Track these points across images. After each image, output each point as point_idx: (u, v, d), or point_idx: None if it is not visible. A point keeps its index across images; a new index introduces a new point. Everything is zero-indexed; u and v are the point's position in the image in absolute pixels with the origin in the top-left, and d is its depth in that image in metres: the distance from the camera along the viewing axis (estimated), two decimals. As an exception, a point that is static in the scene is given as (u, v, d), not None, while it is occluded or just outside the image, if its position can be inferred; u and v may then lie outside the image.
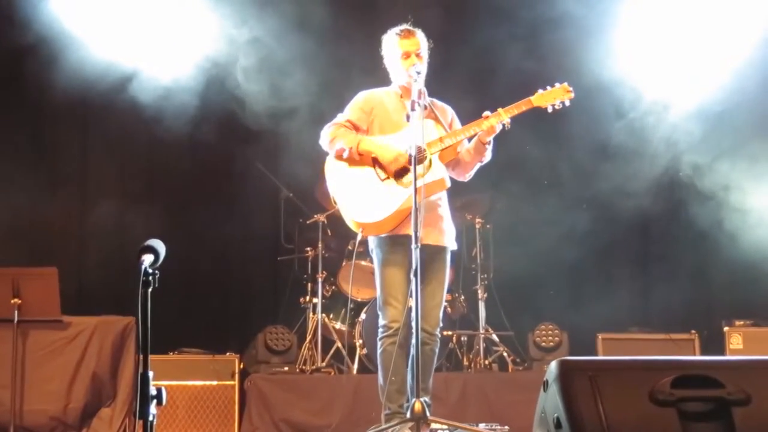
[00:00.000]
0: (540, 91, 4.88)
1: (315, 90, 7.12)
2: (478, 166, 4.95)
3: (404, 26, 4.96)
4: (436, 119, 4.91)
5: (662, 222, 7.87)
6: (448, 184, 4.84)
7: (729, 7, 6.99)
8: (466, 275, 7.32)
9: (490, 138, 4.79)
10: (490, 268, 7.39)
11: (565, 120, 7.67)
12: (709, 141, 7.08)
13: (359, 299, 7.04)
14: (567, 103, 4.89)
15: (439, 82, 5.12)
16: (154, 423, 2.89)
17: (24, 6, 6.87)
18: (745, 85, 7.01)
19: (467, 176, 5.02)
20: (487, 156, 4.89)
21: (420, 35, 4.93)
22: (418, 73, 4.69)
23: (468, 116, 4.98)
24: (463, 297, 7.27)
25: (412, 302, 4.41)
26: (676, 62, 7.10)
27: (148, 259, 3.01)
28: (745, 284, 7.14)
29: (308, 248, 7.32)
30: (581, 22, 7.05)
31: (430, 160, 4.75)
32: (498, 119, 4.72)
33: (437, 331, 4.85)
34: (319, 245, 7.18)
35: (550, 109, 4.89)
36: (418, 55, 4.86)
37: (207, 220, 7.72)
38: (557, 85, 4.90)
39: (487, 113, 4.76)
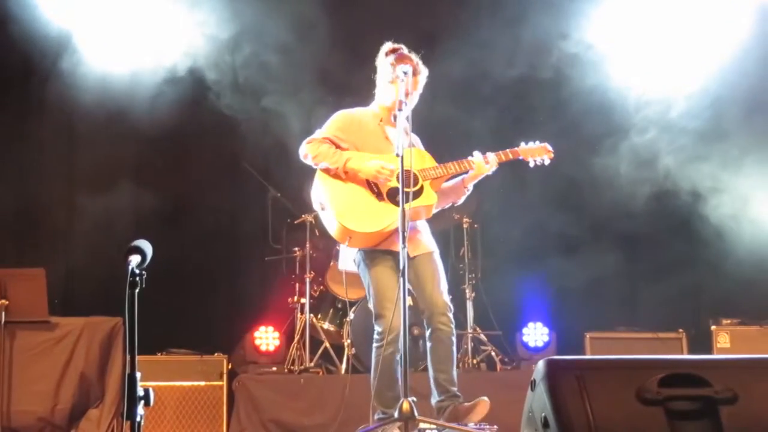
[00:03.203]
0: (523, 144, 4.93)
1: (304, 90, 7.11)
2: (449, 205, 4.99)
3: (405, 51, 4.84)
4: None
5: (649, 221, 7.87)
6: (433, 211, 4.85)
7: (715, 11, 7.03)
8: (454, 275, 7.31)
9: (473, 182, 4.84)
10: (478, 267, 7.40)
11: (558, 121, 7.70)
12: (695, 141, 7.09)
13: (347, 299, 7.03)
14: (546, 162, 4.93)
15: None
16: (142, 424, 2.88)
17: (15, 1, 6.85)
18: (733, 85, 7.03)
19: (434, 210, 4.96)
20: (462, 198, 4.93)
21: (420, 68, 4.80)
22: (405, 73, 4.60)
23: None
24: (450, 297, 7.25)
25: (400, 303, 4.39)
26: (664, 61, 7.13)
27: (135, 259, 3.01)
28: (733, 283, 7.15)
29: (296, 248, 7.30)
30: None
31: (422, 186, 4.74)
32: (490, 167, 4.77)
33: (449, 312, 4.87)
34: (307, 245, 7.16)
35: (531, 164, 4.93)
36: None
37: (194, 220, 7.71)
38: (538, 143, 4.94)
39: (477, 154, 4.77)
